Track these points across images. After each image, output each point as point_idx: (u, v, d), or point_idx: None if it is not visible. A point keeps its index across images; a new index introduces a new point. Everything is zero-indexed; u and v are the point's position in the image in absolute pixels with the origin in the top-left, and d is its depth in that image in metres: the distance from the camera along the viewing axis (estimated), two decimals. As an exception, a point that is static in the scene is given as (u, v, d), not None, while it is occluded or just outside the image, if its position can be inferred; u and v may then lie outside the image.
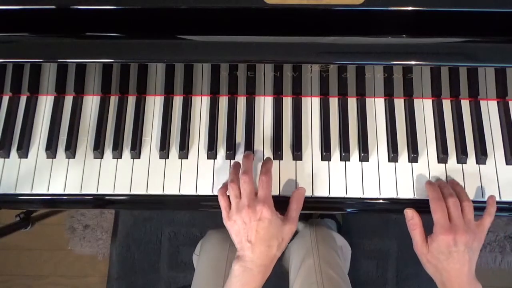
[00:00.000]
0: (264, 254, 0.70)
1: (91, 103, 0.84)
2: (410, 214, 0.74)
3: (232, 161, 0.80)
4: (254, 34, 0.71)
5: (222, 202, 0.74)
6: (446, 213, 0.71)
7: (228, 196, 0.75)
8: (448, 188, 0.75)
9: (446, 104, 0.82)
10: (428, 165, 0.79)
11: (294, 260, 0.95)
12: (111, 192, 0.79)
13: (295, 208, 0.74)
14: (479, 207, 0.79)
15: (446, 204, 0.72)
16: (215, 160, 0.80)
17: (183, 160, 0.80)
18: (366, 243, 1.47)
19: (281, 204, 0.75)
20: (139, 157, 0.81)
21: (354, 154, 0.80)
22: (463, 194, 0.74)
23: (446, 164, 0.79)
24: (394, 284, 1.43)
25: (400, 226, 1.49)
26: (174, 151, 0.81)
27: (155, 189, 0.79)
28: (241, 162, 0.77)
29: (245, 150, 0.80)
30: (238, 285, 0.70)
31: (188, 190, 0.79)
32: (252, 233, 0.69)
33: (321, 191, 0.78)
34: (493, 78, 0.81)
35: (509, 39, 0.70)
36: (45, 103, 0.84)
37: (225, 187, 0.77)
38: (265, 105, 0.83)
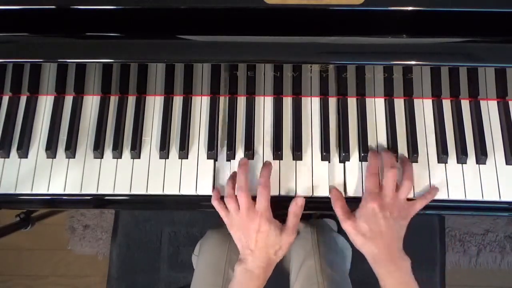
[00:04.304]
0: (263, 258, 0.74)
1: (91, 103, 0.84)
2: (332, 190, 0.77)
3: (232, 161, 0.80)
4: (254, 34, 0.71)
5: (221, 212, 0.76)
6: (377, 184, 0.73)
7: (224, 202, 0.76)
8: (393, 160, 0.75)
9: (446, 104, 0.82)
10: (428, 165, 0.79)
11: (294, 260, 0.95)
12: (111, 192, 0.79)
13: (292, 220, 0.76)
14: (478, 207, 0.79)
15: (384, 173, 0.73)
16: (215, 160, 0.80)
17: (183, 160, 0.80)
18: (366, 243, 1.47)
19: (281, 204, 0.76)
20: (139, 157, 0.81)
21: (354, 154, 0.80)
22: (409, 175, 0.75)
23: (446, 164, 0.79)
24: (394, 284, 1.43)
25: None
26: (174, 151, 0.81)
27: (155, 189, 0.79)
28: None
29: (245, 150, 0.80)
30: (239, 286, 0.74)
31: (188, 190, 0.79)
32: (251, 242, 0.73)
33: (321, 191, 0.78)
34: (493, 78, 0.81)
35: (509, 39, 0.70)
36: (45, 103, 0.84)
37: (216, 194, 0.77)
38: (265, 105, 0.83)
